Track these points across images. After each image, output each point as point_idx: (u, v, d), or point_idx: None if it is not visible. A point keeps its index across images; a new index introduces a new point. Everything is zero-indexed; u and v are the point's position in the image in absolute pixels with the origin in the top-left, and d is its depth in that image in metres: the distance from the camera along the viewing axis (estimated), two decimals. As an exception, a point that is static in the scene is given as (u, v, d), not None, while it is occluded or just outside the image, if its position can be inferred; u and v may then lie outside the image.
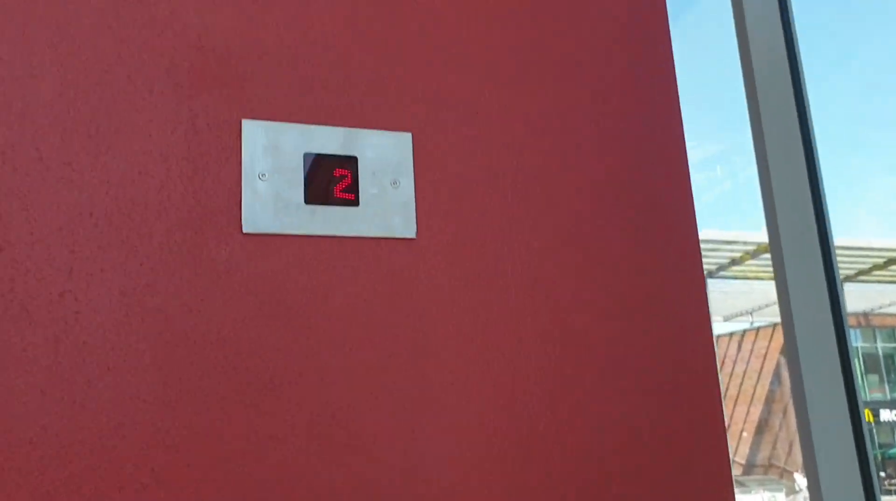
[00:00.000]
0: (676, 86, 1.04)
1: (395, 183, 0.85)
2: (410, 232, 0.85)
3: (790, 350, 1.28)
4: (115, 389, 0.74)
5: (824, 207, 1.32)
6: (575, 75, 0.98)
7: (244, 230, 0.80)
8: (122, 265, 0.76)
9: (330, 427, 0.79)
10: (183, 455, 0.74)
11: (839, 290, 1.29)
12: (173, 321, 0.76)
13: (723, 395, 0.97)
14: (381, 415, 0.81)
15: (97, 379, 0.73)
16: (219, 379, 0.77)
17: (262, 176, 0.81)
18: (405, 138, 0.87)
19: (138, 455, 0.73)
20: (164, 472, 0.73)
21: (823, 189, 1.33)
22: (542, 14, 0.99)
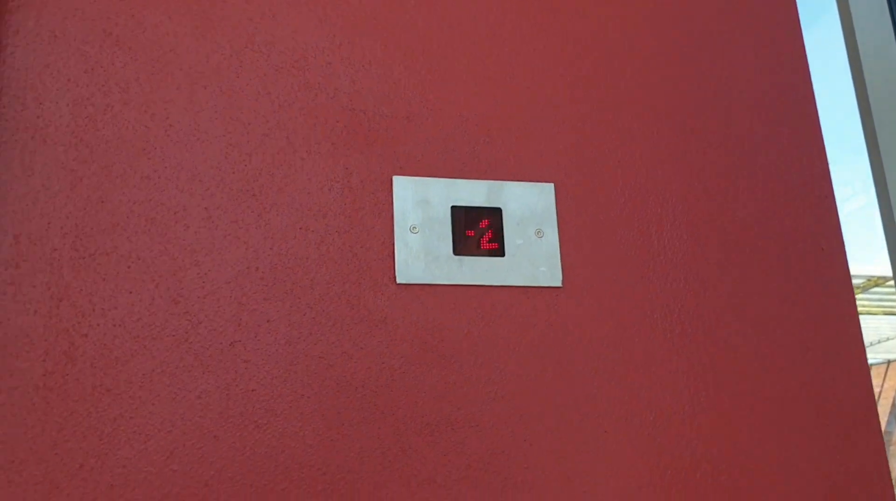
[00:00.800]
0: (820, 129, 1.03)
1: (539, 233, 0.88)
2: (556, 281, 0.87)
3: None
4: (282, 433, 0.78)
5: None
6: (720, 123, 0.99)
7: (398, 281, 0.84)
8: (287, 316, 0.81)
9: (485, 473, 0.81)
10: (345, 497, 0.77)
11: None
12: (335, 369, 0.80)
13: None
14: (532, 461, 0.82)
15: (265, 424, 0.78)
16: (378, 424, 0.80)
17: (413, 229, 0.85)
18: (548, 189, 0.90)
19: (303, 497, 0.76)
20: (330, 515, 0.77)
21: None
22: (685, 65, 1.01)
